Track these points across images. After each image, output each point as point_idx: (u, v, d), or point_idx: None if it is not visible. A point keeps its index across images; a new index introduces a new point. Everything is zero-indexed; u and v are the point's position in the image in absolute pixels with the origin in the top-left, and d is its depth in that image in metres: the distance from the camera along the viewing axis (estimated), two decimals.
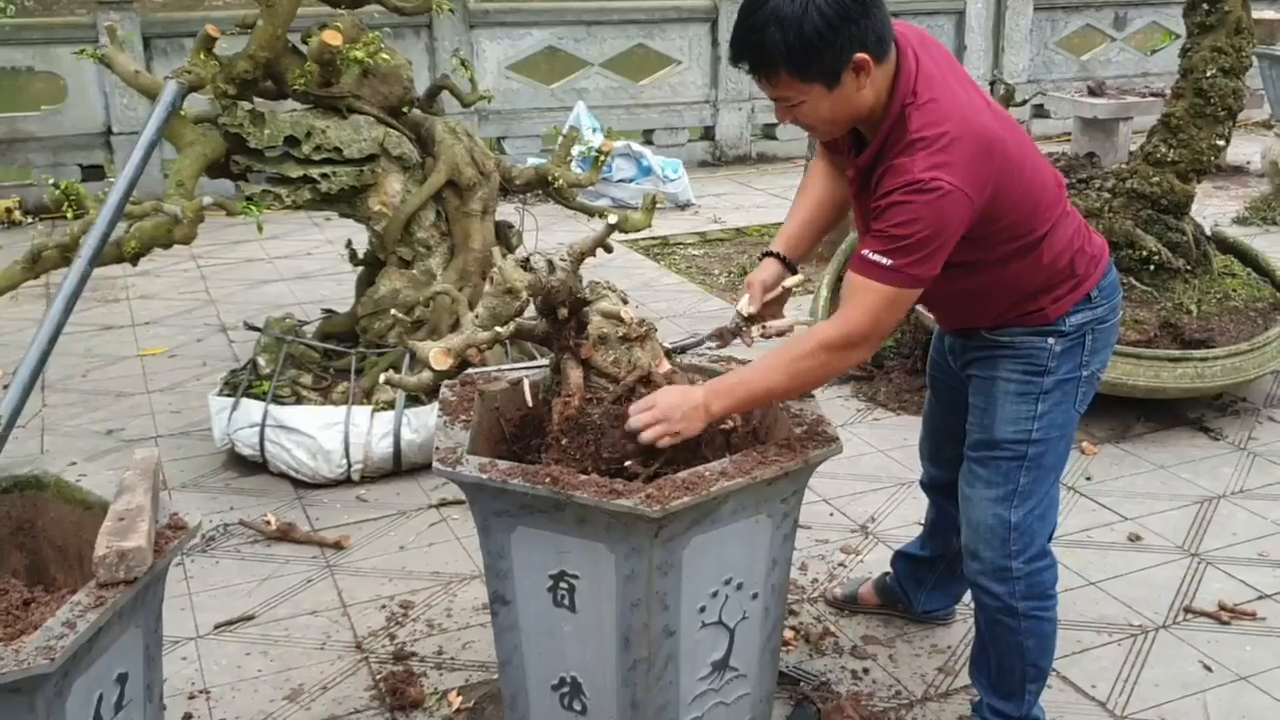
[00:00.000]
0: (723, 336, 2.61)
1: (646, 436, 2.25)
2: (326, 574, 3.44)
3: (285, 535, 3.63)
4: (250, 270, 6.86)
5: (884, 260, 2.12)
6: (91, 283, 6.62)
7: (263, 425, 3.99)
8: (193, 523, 2.22)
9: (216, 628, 3.17)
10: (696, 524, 2.26)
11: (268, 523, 3.67)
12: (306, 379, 4.12)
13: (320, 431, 3.93)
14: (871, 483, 3.99)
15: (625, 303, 2.66)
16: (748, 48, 2.11)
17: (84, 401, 4.83)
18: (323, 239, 7.47)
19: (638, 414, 2.27)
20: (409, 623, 3.19)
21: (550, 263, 2.30)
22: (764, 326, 2.53)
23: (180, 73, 3.60)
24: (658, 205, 8.23)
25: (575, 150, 4.42)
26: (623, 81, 9.67)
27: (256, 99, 4.12)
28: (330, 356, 4.18)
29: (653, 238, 7.45)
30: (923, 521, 3.07)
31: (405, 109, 4.16)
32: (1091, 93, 8.85)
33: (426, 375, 2.32)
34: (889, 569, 3.17)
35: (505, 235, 4.49)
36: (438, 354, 2.09)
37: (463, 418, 2.55)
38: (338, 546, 3.57)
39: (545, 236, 7.08)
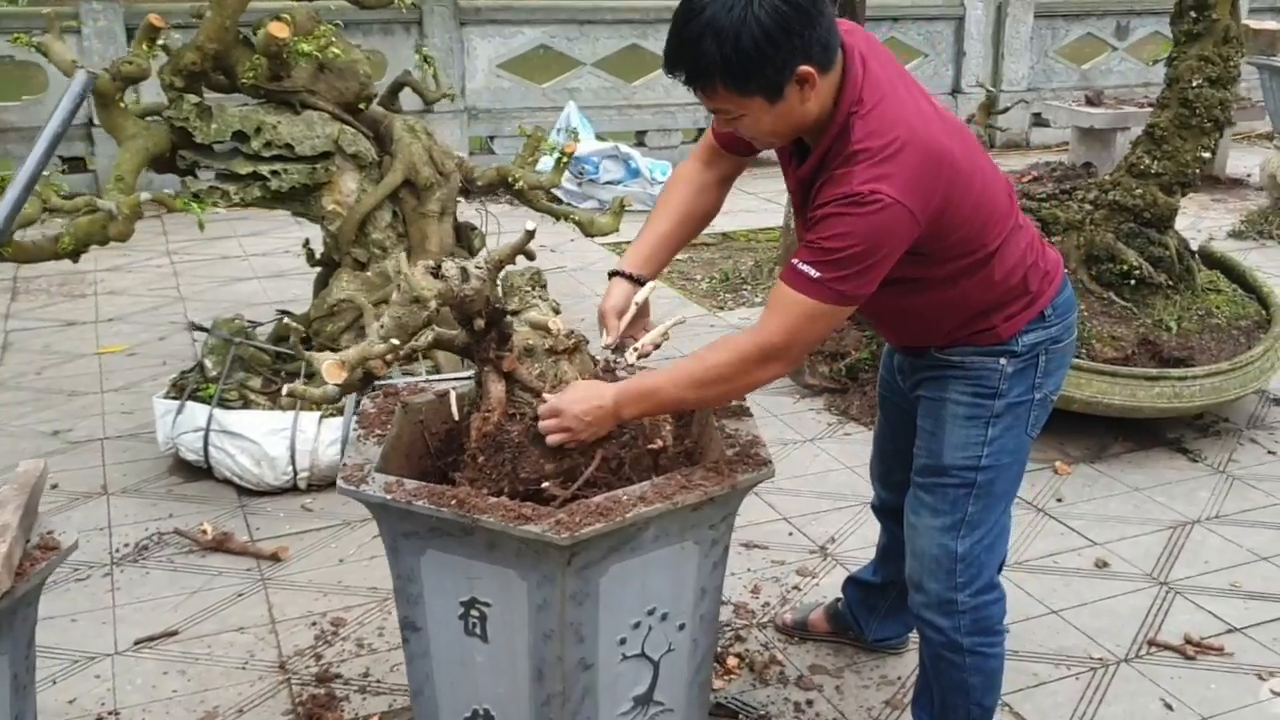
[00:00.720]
0: (601, 376, 2.44)
1: (550, 440, 2.16)
2: (259, 588, 3.31)
3: (221, 545, 3.49)
4: (224, 267, 6.74)
5: (811, 272, 1.98)
6: (58, 277, 6.56)
7: (207, 430, 3.86)
8: (68, 542, 2.08)
9: (136, 644, 3.04)
10: (615, 551, 2.13)
11: (204, 532, 3.54)
12: (255, 382, 3.99)
13: (265, 438, 3.80)
14: (835, 501, 3.85)
15: (557, 312, 2.53)
16: (682, 59, 1.98)
17: (35, 400, 4.70)
18: (302, 236, 7.33)
19: (543, 417, 2.16)
20: (338, 642, 3.05)
21: (464, 270, 2.16)
22: (635, 348, 2.34)
23: (121, 63, 3.47)
24: (642, 208, 8.14)
25: (542, 151, 4.28)
26: (615, 82, 9.54)
27: (212, 93, 4.00)
28: (281, 360, 4.06)
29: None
30: (876, 545, 2.93)
31: (362, 105, 4.04)
32: (1089, 102, 8.71)
33: (330, 388, 2.19)
34: (841, 593, 3.03)
35: (467, 237, 4.36)
36: (331, 367, 1.96)
37: (378, 432, 2.42)
38: (274, 558, 3.44)
39: (510, 239, 6.96)
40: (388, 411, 2.53)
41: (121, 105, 3.53)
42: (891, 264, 2.02)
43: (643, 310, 2.37)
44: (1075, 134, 8.78)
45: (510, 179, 4.07)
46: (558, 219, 4.49)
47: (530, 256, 2.37)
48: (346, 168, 3.97)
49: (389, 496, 2.13)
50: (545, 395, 2.24)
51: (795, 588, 3.33)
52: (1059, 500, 3.85)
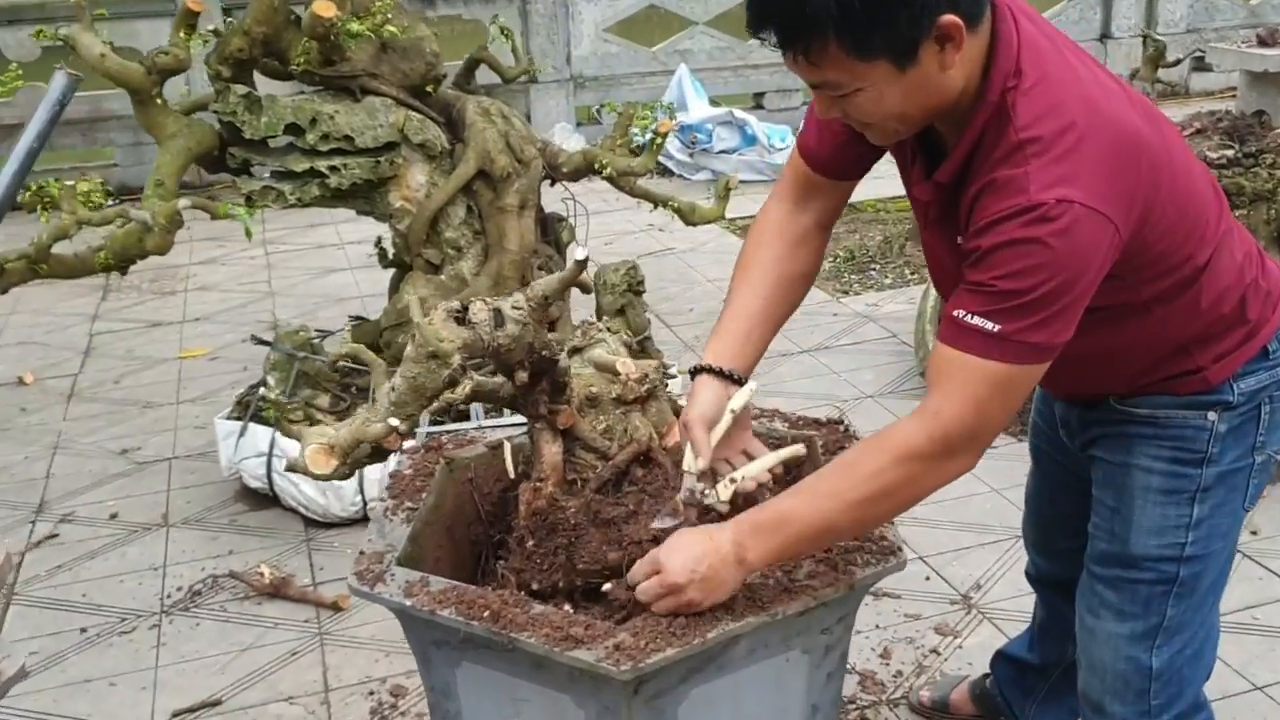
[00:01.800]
0: (682, 513, 1.78)
1: (659, 609, 1.58)
2: (315, 644, 2.93)
3: (279, 591, 3.13)
4: (319, 258, 6.44)
5: (988, 325, 1.45)
6: (151, 272, 6.34)
7: (269, 455, 3.50)
8: (10, 669, 1.69)
9: (174, 716, 2.69)
10: (696, 672, 1.65)
11: (260, 575, 3.18)
12: (323, 400, 3.60)
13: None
14: (980, 534, 3.28)
15: (638, 348, 2.04)
16: (777, 8, 1.43)
17: (108, 414, 4.43)
18: None
19: (642, 578, 1.60)
20: (396, 716, 2.65)
21: (498, 312, 1.69)
22: (733, 479, 1.74)
23: (157, 54, 3.09)
24: (758, 179, 7.55)
25: (634, 130, 3.78)
26: (731, 40, 8.93)
27: (274, 81, 3.61)
28: (349, 374, 3.67)
29: (752, 217, 6.75)
30: (1032, 615, 2.37)
31: (430, 88, 3.59)
32: (1261, 42, 7.75)
33: (378, 427, 1.73)
34: (990, 670, 2.49)
35: (554, 230, 3.90)
36: (316, 454, 1.51)
37: (408, 504, 1.97)
38: (335, 608, 3.06)
39: (602, 227, 6.47)
40: (426, 473, 2.08)
41: (159, 101, 3.15)
42: (1090, 297, 1.48)
43: (742, 421, 1.79)
44: (1244, 79, 7.82)
45: (597, 164, 3.58)
46: (656, 205, 3.99)
47: (585, 289, 1.89)
48: (414, 159, 3.54)
49: (409, 602, 1.69)
50: (613, 460, 1.72)
51: (934, 651, 2.80)
52: (1254, 533, 3.20)
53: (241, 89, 3.32)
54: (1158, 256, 1.57)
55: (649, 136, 3.56)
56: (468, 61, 3.87)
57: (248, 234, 3.13)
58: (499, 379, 1.85)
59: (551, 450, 1.89)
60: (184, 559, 3.38)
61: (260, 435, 3.53)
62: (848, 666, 2.69)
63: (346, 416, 3.53)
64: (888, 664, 2.75)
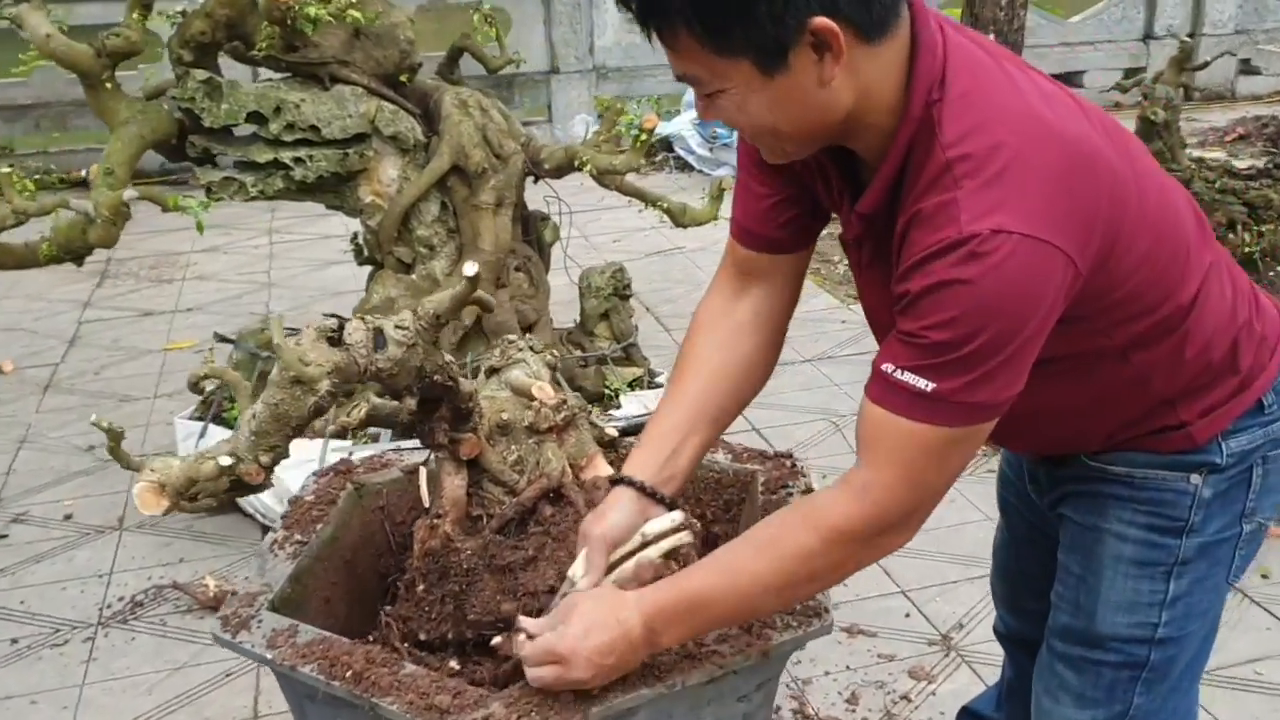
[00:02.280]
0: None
1: (545, 683, 1.38)
2: (251, 666, 2.76)
3: (221, 604, 2.96)
4: (322, 249, 6.30)
5: (920, 383, 1.24)
6: (151, 259, 6.23)
7: None
8: None
9: None
10: None
11: (205, 587, 3.03)
12: None
13: (288, 471, 3.24)
14: (969, 567, 3.06)
15: (554, 370, 1.86)
16: None
17: (82, 407, 4.30)
18: None
19: (537, 662, 1.37)
20: None
21: (378, 332, 1.50)
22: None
23: (106, 37, 2.94)
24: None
25: (622, 126, 3.58)
26: None
27: (247, 66, 3.46)
28: None
29: None
30: (1001, 672, 2.16)
31: (405, 77, 3.41)
32: None
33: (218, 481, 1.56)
34: None
35: (535, 229, 3.72)
36: (144, 493, 1.34)
37: (298, 537, 1.80)
38: None
39: (613, 222, 6.27)
40: (329, 500, 1.91)
41: (108, 86, 2.99)
42: (1040, 344, 1.27)
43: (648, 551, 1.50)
44: None
45: (577, 161, 3.39)
46: (647, 205, 3.79)
47: (487, 308, 1.70)
48: (386, 152, 3.37)
49: (269, 655, 1.51)
50: (524, 624, 1.41)
51: (904, 697, 2.59)
52: (1265, 577, 2.96)
53: (202, 74, 3.16)
54: (1131, 294, 1.35)
55: (634, 133, 3.36)
56: (451, 50, 3.69)
57: (199, 228, 2.98)
58: (394, 402, 1.67)
59: (453, 483, 1.71)
60: (132, 565, 3.23)
61: (221, 437, 3.38)
62: (810, 713, 2.50)
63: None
64: (854, 710, 2.54)
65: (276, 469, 3.18)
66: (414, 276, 3.44)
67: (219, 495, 1.47)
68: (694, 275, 5.59)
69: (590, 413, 1.83)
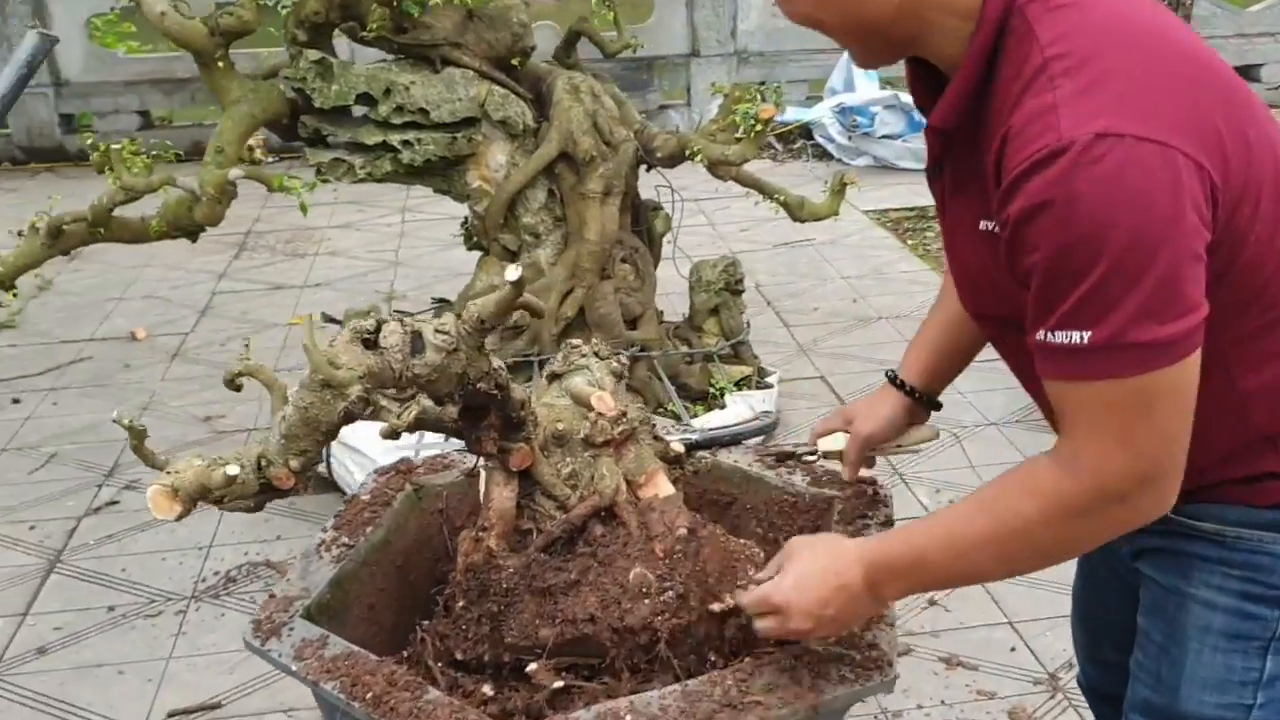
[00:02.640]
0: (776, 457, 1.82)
1: (769, 633, 1.39)
2: None
3: None
4: (450, 229, 6.28)
5: (1074, 338, 1.09)
6: (288, 232, 6.36)
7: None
8: None
9: (170, 716, 2.56)
10: None
11: None
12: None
13: (384, 455, 3.24)
14: None
15: (620, 377, 1.75)
16: None
17: (205, 378, 4.40)
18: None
19: (757, 611, 1.38)
20: None
21: (416, 335, 1.42)
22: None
23: (219, 15, 2.95)
24: (918, 167, 6.98)
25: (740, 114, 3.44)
26: None
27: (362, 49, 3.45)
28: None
29: (908, 209, 6.29)
30: None
31: (517, 61, 3.35)
32: None
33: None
34: None
35: (646, 219, 3.61)
36: (157, 496, 1.28)
37: (345, 539, 1.74)
38: None
39: (742, 211, 6.08)
40: (385, 501, 1.84)
41: (221, 64, 3.01)
42: (1201, 255, 1.09)
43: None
44: None
45: (689, 151, 3.26)
46: (765, 196, 3.65)
47: (536, 313, 1.59)
48: (495, 137, 3.31)
49: (294, 667, 1.45)
50: (755, 577, 1.45)
51: None
52: None
53: (314, 54, 3.15)
54: (1249, 266, 1.16)
55: (749, 123, 3.21)
56: (568, 34, 3.60)
57: (303, 210, 2.97)
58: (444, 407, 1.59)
59: (501, 495, 1.62)
60: (230, 540, 3.27)
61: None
62: None
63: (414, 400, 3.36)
64: None
65: (374, 450, 3.15)
66: (518, 264, 3.37)
67: (248, 499, 1.42)
68: (821, 270, 5.40)
69: (653, 426, 1.71)
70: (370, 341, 1.42)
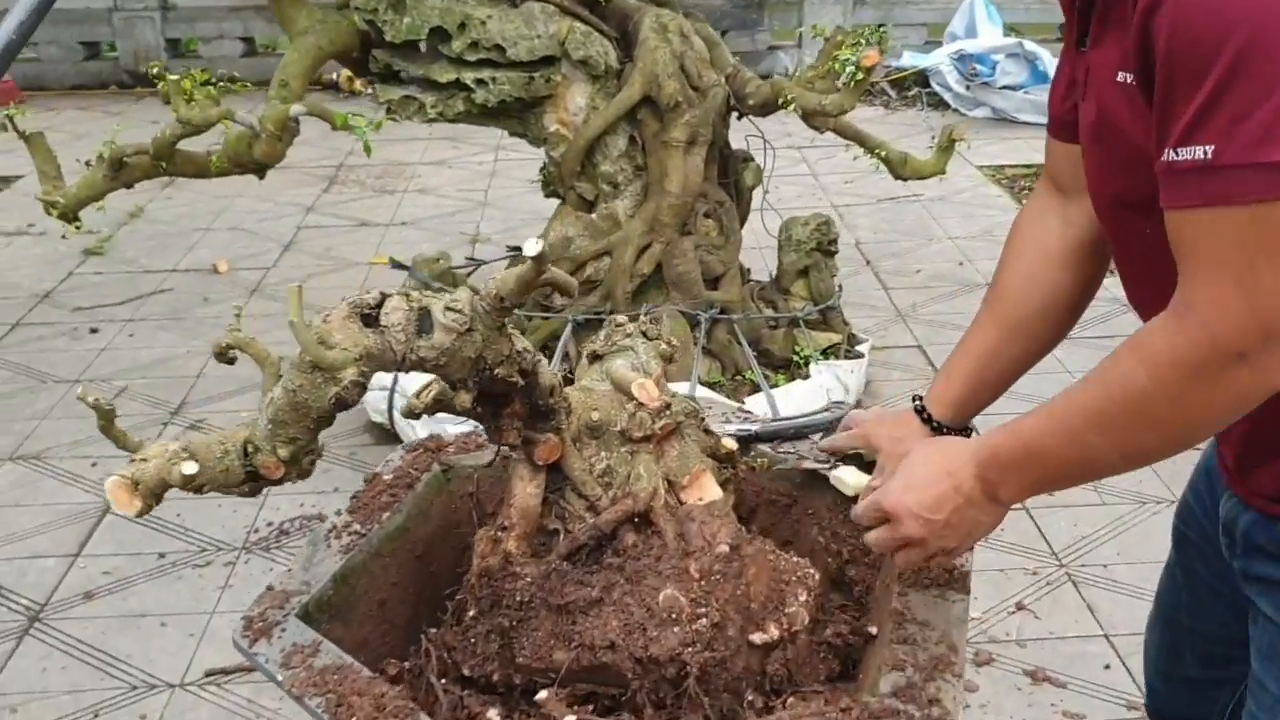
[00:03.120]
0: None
1: (900, 562, 1.32)
2: None
3: None
4: None
5: (1198, 153, 0.96)
6: (380, 167, 6.25)
7: (391, 390, 3.24)
8: None
9: (207, 675, 2.47)
10: None
11: None
12: None
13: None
14: None
15: (670, 361, 1.56)
16: None
17: (281, 315, 4.27)
18: None
19: (870, 523, 1.31)
20: None
21: (423, 313, 1.24)
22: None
23: None
24: (1039, 120, 6.55)
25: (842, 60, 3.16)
26: None
27: None
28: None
29: (1026, 165, 5.92)
30: None
31: None
32: None
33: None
34: None
35: (735, 171, 3.38)
36: (116, 489, 1.13)
37: (357, 527, 1.58)
38: None
39: (847, 162, 5.77)
40: (407, 483, 1.68)
41: None
42: None
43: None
44: None
45: (782, 99, 3.01)
46: (866, 150, 3.38)
47: (565, 292, 1.39)
48: (575, 77, 3.10)
49: (280, 676, 1.30)
50: (872, 483, 1.41)
51: None
52: None
53: None
54: None
55: (850, 71, 2.94)
56: None
57: (366, 150, 2.81)
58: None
59: (525, 491, 1.44)
60: (286, 490, 3.09)
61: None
62: None
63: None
64: None
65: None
66: (594, 216, 3.18)
67: (233, 487, 1.26)
68: (928, 228, 5.10)
69: (702, 420, 1.51)
70: (370, 318, 1.24)
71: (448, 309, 1.25)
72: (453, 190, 5.86)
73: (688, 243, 3.14)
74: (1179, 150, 0.96)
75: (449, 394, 1.38)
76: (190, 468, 1.10)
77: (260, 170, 3.03)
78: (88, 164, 3.10)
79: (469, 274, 3.51)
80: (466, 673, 1.38)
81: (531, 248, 1.20)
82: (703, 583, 1.32)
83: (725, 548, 1.36)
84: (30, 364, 3.88)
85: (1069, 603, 2.59)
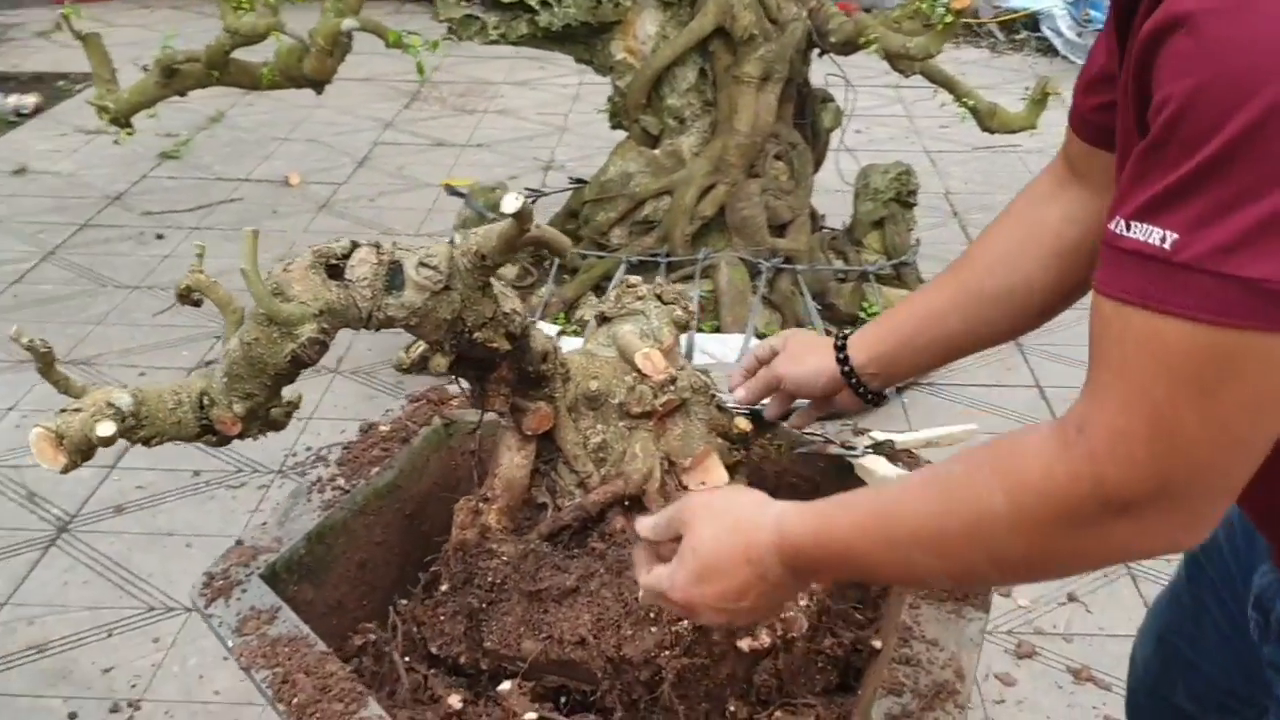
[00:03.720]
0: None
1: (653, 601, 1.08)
2: None
3: None
4: None
5: (1155, 236, 0.72)
6: (463, 85, 6.13)
7: None
8: None
9: None
10: None
11: None
12: (509, 271, 3.18)
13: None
14: None
15: (684, 328, 1.43)
16: None
17: (346, 232, 4.19)
18: None
19: (645, 593, 1.06)
20: None
21: (394, 266, 1.12)
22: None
23: None
24: None
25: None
26: None
27: None
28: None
29: None
30: None
31: None
32: None
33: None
34: None
35: (813, 111, 3.19)
36: (41, 442, 1.04)
37: (341, 482, 1.49)
38: None
39: (921, 106, 5.49)
40: (404, 437, 1.59)
41: None
42: None
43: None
44: None
45: (863, 39, 2.81)
46: (954, 98, 3.17)
47: (558, 251, 1.26)
48: (646, 3, 2.93)
49: (231, 643, 1.22)
50: (638, 526, 1.09)
51: None
52: None
53: None
54: None
55: (939, 12, 2.73)
56: None
57: (419, 70, 2.69)
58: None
59: (511, 461, 1.34)
60: (331, 413, 3.13)
61: None
62: None
63: (529, 295, 3.11)
64: None
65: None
66: (658, 151, 3.03)
67: (186, 439, 1.17)
68: (1022, 181, 4.78)
69: (714, 396, 1.38)
70: (336, 269, 1.13)
71: (421, 264, 1.13)
72: (533, 113, 5.73)
73: (754, 185, 2.97)
74: (1133, 225, 0.74)
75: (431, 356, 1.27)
76: (107, 428, 1.01)
77: (315, 85, 2.93)
78: (144, 69, 3.03)
79: (534, 201, 3.38)
80: (434, 650, 1.29)
81: (510, 204, 1.07)
82: None
83: None
84: (93, 266, 3.88)
85: (1125, 598, 2.42)
